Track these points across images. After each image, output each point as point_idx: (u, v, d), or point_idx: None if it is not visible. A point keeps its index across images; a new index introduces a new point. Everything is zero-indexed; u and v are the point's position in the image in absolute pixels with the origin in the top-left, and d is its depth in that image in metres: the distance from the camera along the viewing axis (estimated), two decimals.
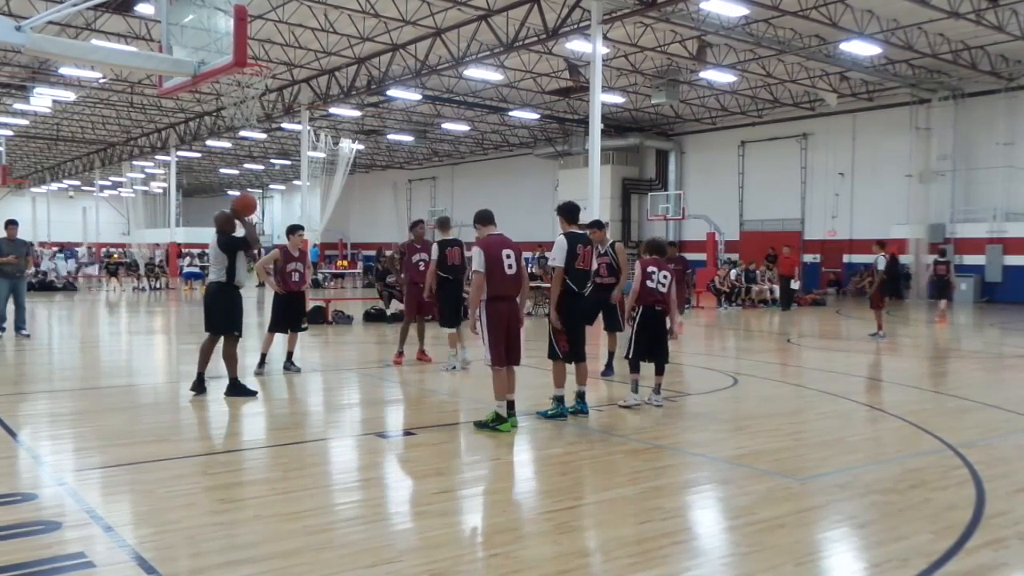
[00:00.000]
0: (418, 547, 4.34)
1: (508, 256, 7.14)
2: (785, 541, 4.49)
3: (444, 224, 11.16)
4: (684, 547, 4.48)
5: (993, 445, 6.95)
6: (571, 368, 7.83)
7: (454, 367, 10.52)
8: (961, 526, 4.72)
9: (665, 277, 8.34)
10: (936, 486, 5.60)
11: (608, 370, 10.42)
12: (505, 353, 7.17)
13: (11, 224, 13.71)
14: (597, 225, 10.18)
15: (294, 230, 10.71)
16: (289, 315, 10.38)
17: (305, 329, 10.81)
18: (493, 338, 7.10)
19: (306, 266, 10.54)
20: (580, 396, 7.82)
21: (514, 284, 7.23)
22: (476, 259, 7.04)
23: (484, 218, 7.42)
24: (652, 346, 8.26)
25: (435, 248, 10.53)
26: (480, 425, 7.20)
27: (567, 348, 7.64)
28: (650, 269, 8.32)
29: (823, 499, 5.31)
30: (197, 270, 32.69)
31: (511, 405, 7.24)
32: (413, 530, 4.68)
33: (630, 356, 8.27)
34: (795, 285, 24.76)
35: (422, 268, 10.94)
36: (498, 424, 7.08)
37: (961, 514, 4.93)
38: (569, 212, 7.87)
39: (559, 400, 7.62)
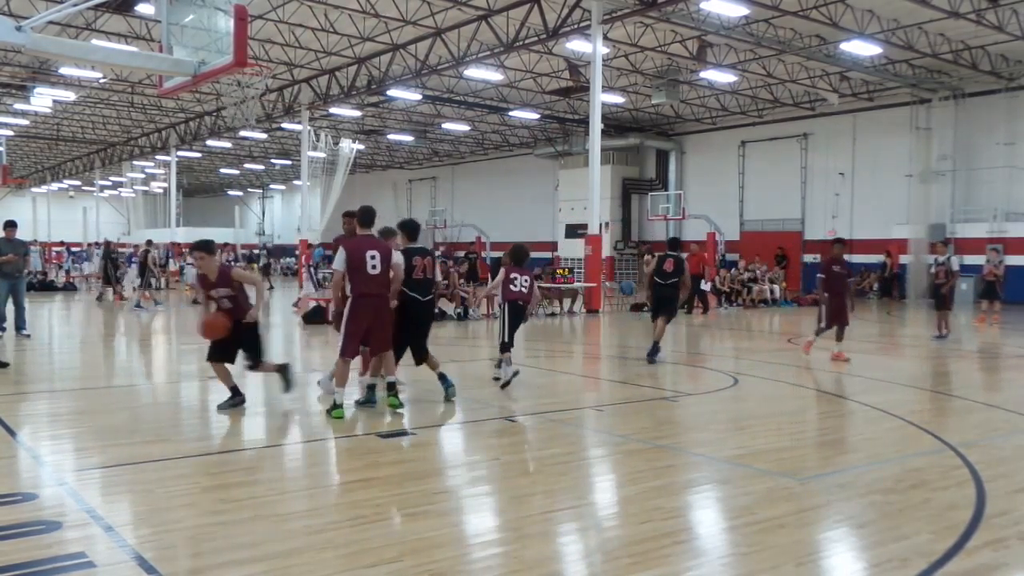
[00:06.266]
0: (418, 547, 4.34)
1: (373, 257, 7.63)
2: (785, 541, 4.49)
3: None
4: (684, 547, 4.48)
5: (993, 445, 6.95)
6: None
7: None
8: (961, 526, 4.71)
9: (526, 281, 9.43)
10: (936, 486, 5.60)
11: (654, 352, 11.51)
12: (370, 343, 7.82)
13: (10, 225, 13.73)
14: (675, 244, 12.52)
15: (202, 248, 7.80)
16: (225, 346, 7.85)
17: (249, 366, 8.02)
18: (351, 331, 7.61)
19: (237, 291, 7.74)
20: (391, 386, 8.09)
21: (375, 282, 7.63)
22: (337, 259, 7.69)
23: (362, 220, 7.93)
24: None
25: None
26: (328, 411, 7.57)
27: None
28: (512, 276, 9.35)
29: (823, 499, 5.31)
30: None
31: (391, 386, 7.85)
32: (413, 530, 4.67)
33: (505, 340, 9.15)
34: (706, 286, 22.50)
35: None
36: (332, 411, 7.53)
37: (961, 514, 4.93)
38: (409, 229, 8.48)
39: (371, 388, 8.10)
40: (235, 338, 7.78)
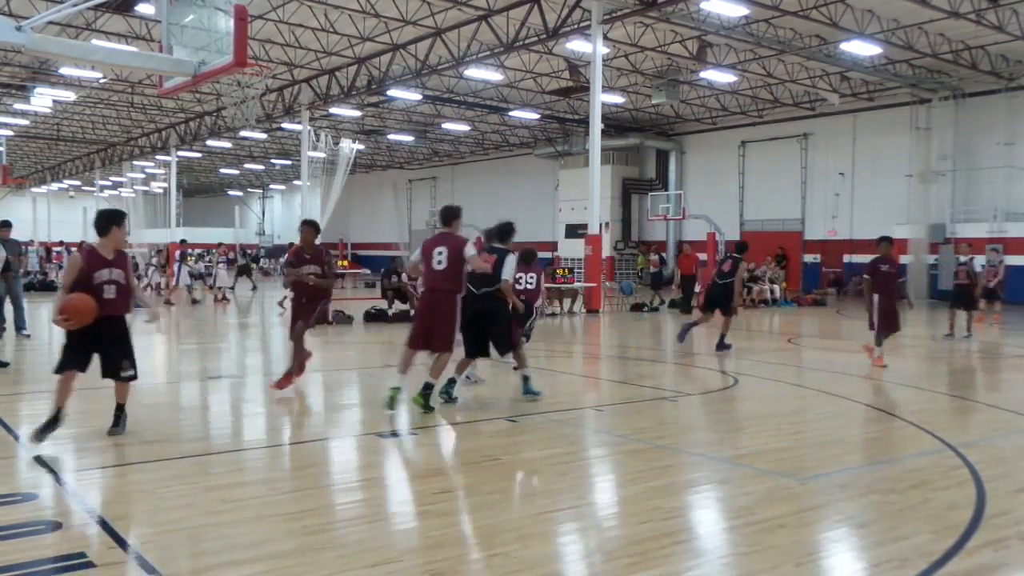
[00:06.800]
0: (418, 547, 4.34)
1: (440, 252, 7.57)
2: (785, 541, 4.49)
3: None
4: (684, 547, 4.48)
5: (993, 445, 6.95)
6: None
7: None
8: (961, 526, 4.71)
9: (532, 278, 9.88)
10: (936, 486, 5.60)
11: (721, 346, 12.79)
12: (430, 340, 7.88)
13: (4, 225, 13.78)
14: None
15: (110, 222, 6.54)
16: (83, 349, 6.41)
17: (124, 377, 6.63)
18: (415, 322, 8.08)
19: (128, 274, 6.59)
20: (426, 386, 8.01)
21: (439, 277, 7.63)
22: (414, 254, 7.98)
23: (443, 218, 7.93)
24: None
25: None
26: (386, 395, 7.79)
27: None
28: (518, 275, 9.49)
29: (823, 499, 5.31)
30: (201, 269, 32.70)
31: (427, 386, 7.75)
32: (413, 530, 4.67)
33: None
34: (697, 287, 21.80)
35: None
36: (389, 391, 7.83)
37: (961, 514, 4.93)
38: (496, 231, 8.65)
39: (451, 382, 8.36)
40: (102, 334, 6.36)
